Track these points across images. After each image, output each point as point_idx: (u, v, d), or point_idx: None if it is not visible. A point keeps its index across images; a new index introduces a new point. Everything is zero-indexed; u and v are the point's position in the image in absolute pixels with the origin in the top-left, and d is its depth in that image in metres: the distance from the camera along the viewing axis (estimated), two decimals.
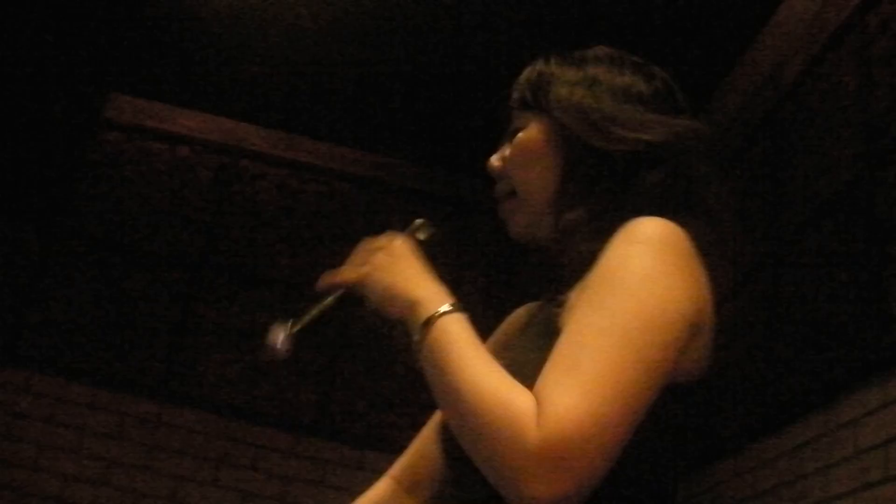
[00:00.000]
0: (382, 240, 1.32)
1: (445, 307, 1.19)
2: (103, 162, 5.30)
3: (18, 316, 5.01)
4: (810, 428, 3.13)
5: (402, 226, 1.39)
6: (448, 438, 1.25)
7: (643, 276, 1.15)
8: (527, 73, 1.43)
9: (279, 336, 1.24)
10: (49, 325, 5.00)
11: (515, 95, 1.43)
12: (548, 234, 1.38)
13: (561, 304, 1.26)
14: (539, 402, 1.07)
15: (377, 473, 1.55)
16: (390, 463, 1.55)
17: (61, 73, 5.18)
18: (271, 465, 4.89)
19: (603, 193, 1.31)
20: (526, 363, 1.20)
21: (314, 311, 1.29)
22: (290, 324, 1.26)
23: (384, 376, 5.06)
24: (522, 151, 1.39)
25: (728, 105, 4.39)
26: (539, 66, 1.42)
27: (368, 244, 1.32)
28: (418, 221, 1.40)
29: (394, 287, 1.25)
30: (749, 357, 3.66)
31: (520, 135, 1.40)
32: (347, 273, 1.30)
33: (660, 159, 1.31)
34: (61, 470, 4.76)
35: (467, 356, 1.15)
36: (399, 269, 1.27)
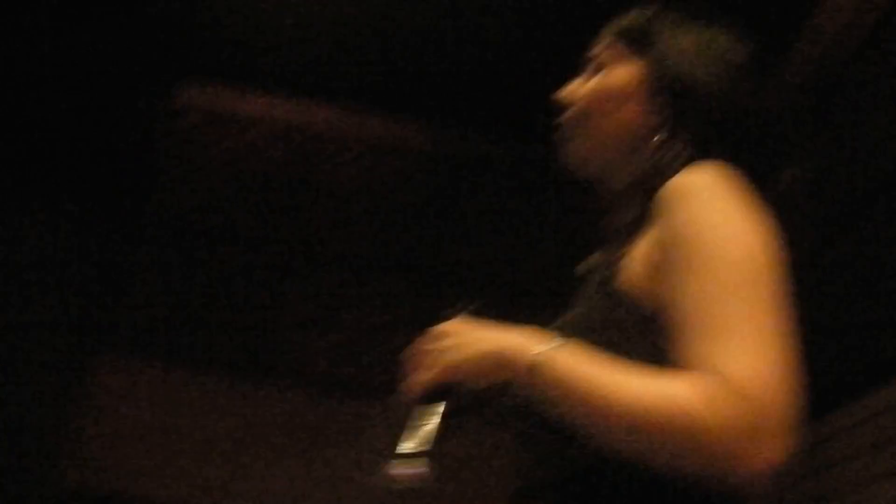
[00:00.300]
0: (436, 332, 1.29)
1: (540, 346, 1.17)
2: (180, 149, 5.39)
3: (112, 303, 5.15)
4: None
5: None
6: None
7: (729, 228, 1.15)
8: (634, 15, 1.43)
9: (409, 470, 1.15)
10: (142, 311, 5.13)
11: (615, 32, 1.43)
12: (599, 172, 1.39)
13: (618, 262, 1.26)
14: (710, 379, 1.04)
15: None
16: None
17: (133, 63, 5.26)
18: (364, 436, 4.94)
19: (672, 148, 1.30)
20: (586, 323, 1.24)
21: (430, 430, 1.19)
22: (410, 452, 1.16)
23: None
24: (607, 88, 1.39)
25: (804, 63, 4.30)
26: (648, 12, 1.41)
27: (425, 345, 1.29)
28: (458, 305, 1.36)
29: (474, 357, 1.22)
30: (836, 316, 3.61)
31: (609, 71, 1.40)
32: (429, 375, 1.25)
33: (737, 125, 1.31)
34: (161, 448, 4.90)
35: (596, 377, 1.12)
36: (474, 338, 1.24)
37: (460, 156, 5.44)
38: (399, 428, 1.20)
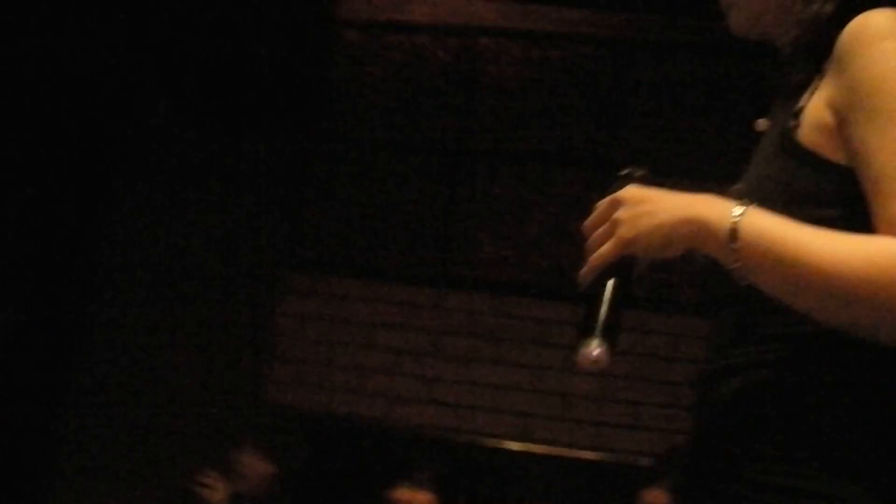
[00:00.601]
0: (608, 202, 1.18)
1: (736, 209, 1.09)
2: (346, 62, 5.38)
3: (294, 222, 5.25)
4: None
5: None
6: None
7: None
8: None
9: (592, 352, 1.11)
10: (324, 227, 5.21)
11: None
12: (768, 31, 1.31)
13: (797, 116, 1.18)
14: None
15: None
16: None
17: None
18: (554, 337, 4.92)
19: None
20: (766, 183, 1.17)
21: (604, 310, 1.13)
22: (593, 335, 1.12)
23: None
24: None
25: None
26: None
27: (598, 217, 1.19)
28: (625, 171, 1.26)
29: (665, 225, 1.13)
30: None
31: None
32: (605, 250, 1.15)
33: None
34: (354, 364, 5.00)
35: (800, 240, 1.06)
36: (655, 208, 1.14)
37: (633, 41, 5.22)
38: (583, 312, 1.14)
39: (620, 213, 1.15)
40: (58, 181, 4.98)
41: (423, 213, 5.17)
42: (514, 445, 4.81)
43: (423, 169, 5.22)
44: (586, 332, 1.12)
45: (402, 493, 3.25)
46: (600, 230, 1.17)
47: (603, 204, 1.18)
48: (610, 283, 1.14)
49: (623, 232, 1.14)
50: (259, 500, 3.45)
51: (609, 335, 1.12)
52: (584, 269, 1.16)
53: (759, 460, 1.12)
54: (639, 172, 1.24)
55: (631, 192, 1.17)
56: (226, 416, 4.91)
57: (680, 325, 4.81)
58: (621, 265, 1.14)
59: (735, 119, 4.93)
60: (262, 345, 5.08)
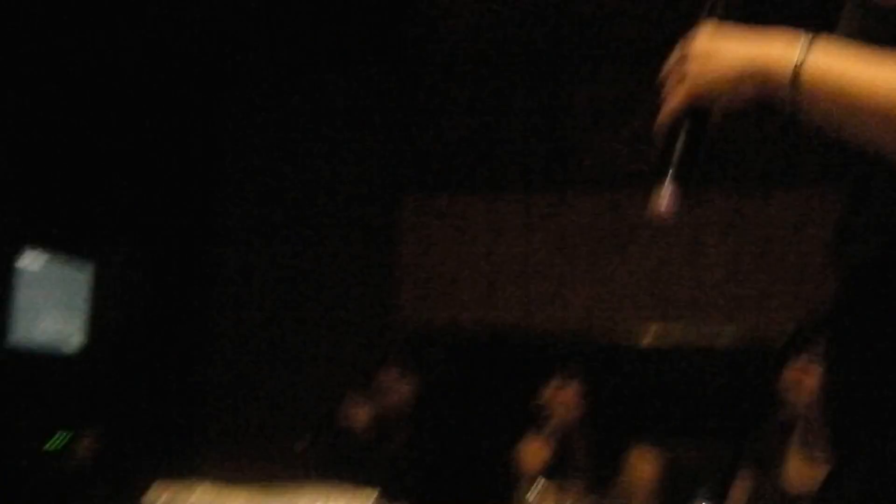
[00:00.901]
0: (677, 57, 1.17)
1: (802, 41, 1.06)
2: None
3: (407, 146, 5.28)
4: None
5: None
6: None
7: None
8: None
9: (664, 198, 1.12)
10: (436, 147, 5.23)
11: None
12: None
13: None
14: None
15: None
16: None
17: None
18: (677, 227, 4.88)
19: None
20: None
21: (676, 159, 1.14)
22: (664, 182, 1.13)
23: None
24: None
25: None
26: None
27: (668, 72, 1.17)
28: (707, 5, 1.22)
29: (729, 72, 1.11)
30: None
31: None
32: (674, 103, 1.15)
33: None
34: (481, 276, 5.06)
35: (871, 75, 1.03)
36: (720, 56, 1.13)
37: None
38: (657, 162, 1.15)
39: (688, 66, 1.14)
40: (177, 127, 5.09)
41: (531, 121, 5.14)
42: (649, 338, 4.81)
43: (525, 75, 5.18)
44: (658, 180, 1.13)
45: (552, 391, 3.29)
46: (669, 83, 1.16)
47: (673, 58, 1.17)
48: (682, 134, 1.15)
49: (690, 83, 1.14)
50: (403, 418, 3.52)
51: (681, 182, 1.13)
52: (657, 122, 1.17)
53: None
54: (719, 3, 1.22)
55: (698, 44, 1.15)
56: (362, 342, 5.03)
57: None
58: (694, 117, 1.15)
59: None
60: (389, 269, 5.16)
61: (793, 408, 2.90)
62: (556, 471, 3.31)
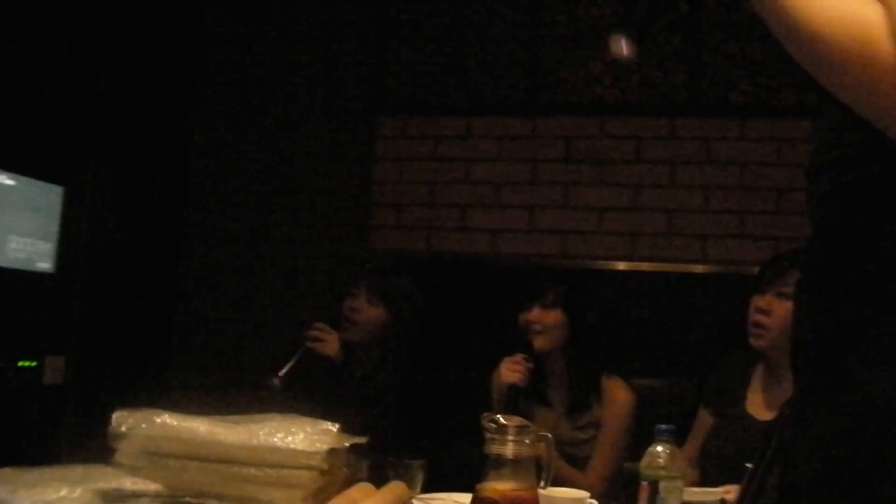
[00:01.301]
0: None
1: None
2: None
3: (380, 68, 5.22)
4: None
5: None
6: None
7: None
8: None
9: (621, 43, 1.16)
10: (410, 69, 5.18)
11: None
12: None
13: None
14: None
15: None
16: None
17: None
18: (652, 153, 4.87)
19: None
20: None
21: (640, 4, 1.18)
22: (622, 28, 1.17)
23: None
24: None
25: None
26: None
27: None
28: None
29: None
30: None
31: None
32: None
33: None
34: (455, 202, 5.05)
35: None
36: None
37: None
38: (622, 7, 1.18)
39: None
40: (152, 46, 5.01)
41: (508, 43, 5.08)
42: (621, 265, 4.83)
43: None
44: (620, 25, 1.17)
45: (534, 313, 3.30)
46: None
47: None
48: None
49: None
50: (374, 346, 3.51)
51: (640, 29, 1.17)
52: None
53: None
54: None
55: None
56: (333, 268, 5.03)
57: (782, 129, 4.72)
58: None
59: None
60: (361, 193, 5.14)
61: (761, 339, 2.92)
62: (531, 395, 3.35)
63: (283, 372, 3.38)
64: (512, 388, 3.20)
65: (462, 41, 5.14)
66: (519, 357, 3.25)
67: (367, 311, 3.50)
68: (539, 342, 3.31)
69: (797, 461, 1.15)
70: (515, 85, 5.06)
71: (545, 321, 3.31)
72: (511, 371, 3.24)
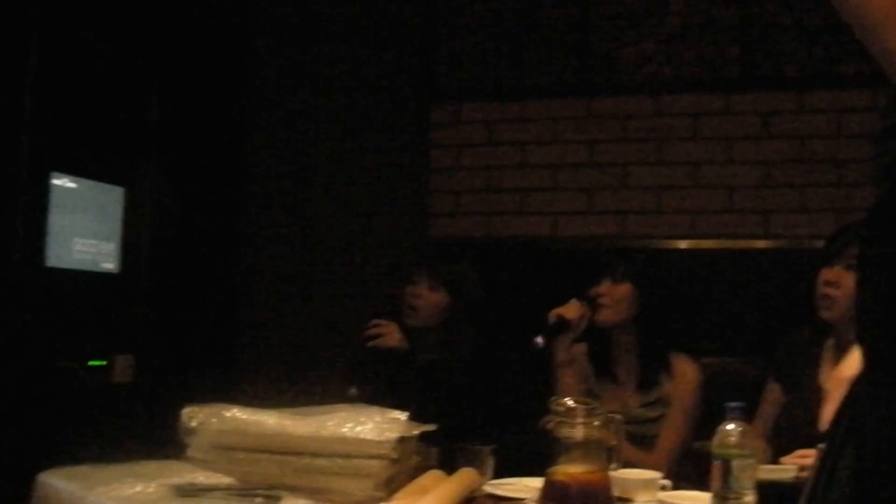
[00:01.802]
0: None
1: None
2: None
3: (432, 56, 5.21)
4: None
5: None
6: None
7: None
8: None
9: None
10: (462, 56, 5.16)
11: None
12: None
13: None
14: None
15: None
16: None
17: None
18: (709, 130, 4.82)
19: None
20: None
21: None
22: None
23: None
24: None
25: None
26: None
27: None
28: None
29: None
30: None
31: None
32: None
33: None
34: (512, 186, 5.04)
35: None
36: None
37: None
38: None
39: None
40: (206, 48, 5.06)
41: (559, 24, 5.05)
42: (682, 244, 4.78)
43: None
44: None
45: (603, 286, 3.29)
46: None
47: None
48: None
49: None
50: (437, 331, 3.51)
51: None
52: None
53: None
54: None
55: None
56: (393, 258, 5.05)
57: (841, 99, 4.64)
58: None
59: None
60: (418, 181, 5.14)
61: (831, 311, 2.89)
62: (599, 375, 3.34)
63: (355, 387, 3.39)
64: (561, 318, 3.20)
65: (512, 24, 5.11)
66: (583, 305, 3.26)
67: (429, 296, 3.50)
68: (605, 315, 3.29)
69: (871, 442, 1.12)
70: (568, 66, 5.02)
71: (615, 294, 3.29)
72: (572, 308, 3.24)
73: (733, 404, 2.17)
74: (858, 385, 1.22)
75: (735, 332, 4.54)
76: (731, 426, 2.14)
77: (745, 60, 4.78)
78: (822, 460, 1.30)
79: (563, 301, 3.32)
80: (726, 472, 2.08)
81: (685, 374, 3.28)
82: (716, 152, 4.79)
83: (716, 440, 2.14)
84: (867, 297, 1.18)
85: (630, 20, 4.95)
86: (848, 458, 1.23)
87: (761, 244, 4.69)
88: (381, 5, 5.32)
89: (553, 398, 1.59)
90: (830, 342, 2.98)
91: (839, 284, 2.84)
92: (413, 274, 3.59)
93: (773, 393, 3.11)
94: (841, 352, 2.89)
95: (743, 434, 2.13)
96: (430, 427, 1.91)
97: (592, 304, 3.30)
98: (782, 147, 4.71)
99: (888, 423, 1.08)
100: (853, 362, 1.26)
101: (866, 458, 1.14)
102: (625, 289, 3.30)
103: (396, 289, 3.64)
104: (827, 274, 2.89)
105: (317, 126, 5.35)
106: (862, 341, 1.17)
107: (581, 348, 3.40)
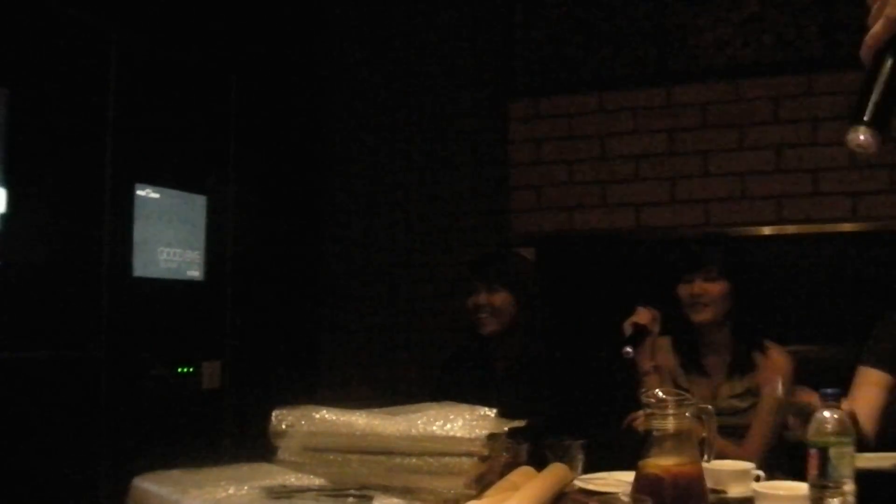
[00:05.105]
0: None
1: None
2: None
3: (508, 51, 5.19)
4: None
5: None
6: None
7: None
8: None
9: (859, 136, 1.08)
10: (538, 49, 5.13)
11: None
12: None
13: None
14: None
15: None
16: None
17: None
18: (791, 112, 4.72)
19: None
20: None
21: (876, 93, 1.08)
22: (862, 118, 1.08)
23: None
24: None
25: None
26: None
27: None
28: None
29: None
30: None
31: None
32: (876, 30, 1.07)
33: None
34: (593, 178, 4.99)
35: None
36: None
37: None
38: (858, 93, 1.09)
39: None
40: (284, 57, 5.10)
41: (634, 13, 4.99)
42: (767, 230, 4.69)
43: None
44: (857, 115, 1.07)
45: (697, 286, 3.23)
46: (874, 7, 1.08)
47: None
48: (887, 65, 1.07)
49: (890, 9, 1.05)
50: (511, 335, 3.48)
51: (879, 119, 1.07)
52: (862, 49, 1.09)
53: None
54: None
55: None
56: (475, 253, 5.04)
57: None
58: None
59: None
60: (499, 177, 5.13)
61: None
62: (686, 367, 3.29)
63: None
64: (636, 326, 3.16)
65: (587, 16, 5.07)
66: (651, 309, 3.21)
67: (493, 300, 3.47)
68: (705, 314, 3.24)
69: None
70: (645, 55, 4.96)
71: (712, 293, 3.24)
72: (642, 314, 3.19)
73: (829, 391, 2.11)
74: None
75: (824, 317, 4.44)
76: (827, 413, 2.09)
77: (825, 39, 4.68)
78: None
79: (648, 296, 3.27)
80: (823, 460, 2.02)
81: (776, 362, 3.22)
82: (799, 135, 4.69)
83: (811, 428, 2.08)
84: None
85: (705, 5, 4.88)
86: None
87: (849, 227, 4.57)
88: (459, 3, 5.32)
89: (643, 391, 1.56)
90: None
91: None
92: (471, 284, 3.55)
93: (870, 378, 3.02)
94: None
95: (840, 421, 2.07)
96: (519, 423, 1.89)
97: (691, 304, 3.25)
98: None
99: None
100: None
101: None
102: (720, 286, 3.24)
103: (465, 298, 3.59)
104: None
105: (397, 127, 5.37)
106: None
107: (665, 341, 3.35)
